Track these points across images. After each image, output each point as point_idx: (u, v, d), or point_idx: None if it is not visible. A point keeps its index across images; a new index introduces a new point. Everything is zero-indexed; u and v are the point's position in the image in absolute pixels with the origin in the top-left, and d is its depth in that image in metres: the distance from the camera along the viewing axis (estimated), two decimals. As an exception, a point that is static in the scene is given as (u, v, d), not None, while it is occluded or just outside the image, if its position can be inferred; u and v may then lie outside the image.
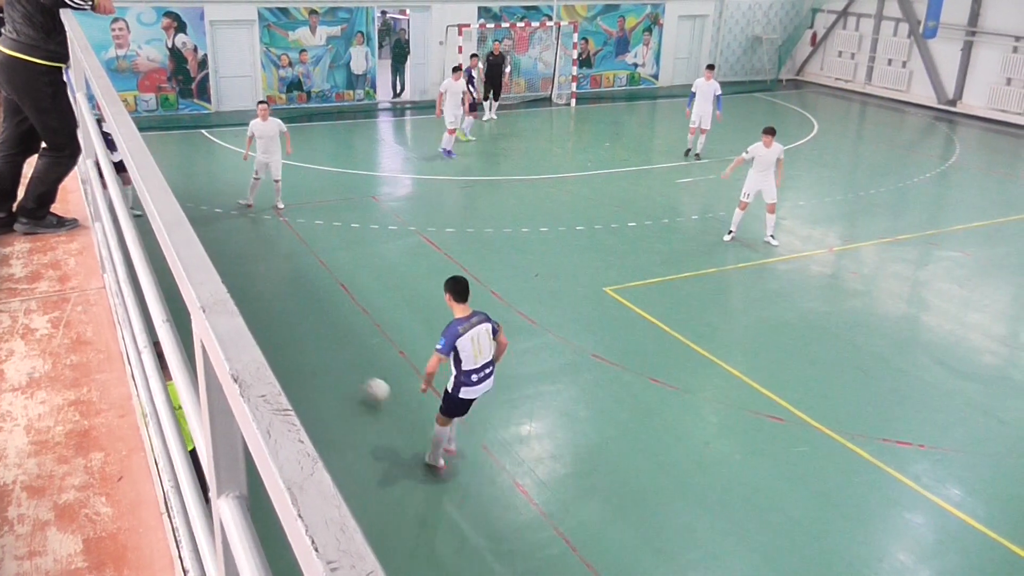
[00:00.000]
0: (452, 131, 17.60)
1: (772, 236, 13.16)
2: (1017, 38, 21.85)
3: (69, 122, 4.86)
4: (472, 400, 7.00)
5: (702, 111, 17.34)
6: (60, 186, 5.14)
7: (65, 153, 4.90)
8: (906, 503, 7.20)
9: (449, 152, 17.78)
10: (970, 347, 10.12)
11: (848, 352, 9.84)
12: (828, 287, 12.01)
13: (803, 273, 12.31)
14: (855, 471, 7.57)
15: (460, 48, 21.83)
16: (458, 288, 6.88)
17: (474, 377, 6.84)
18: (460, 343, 6.71)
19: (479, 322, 6.80)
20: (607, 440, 8.02)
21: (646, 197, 15.58)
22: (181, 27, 20.48)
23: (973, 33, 23.10)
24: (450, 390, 6.93)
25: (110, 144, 4.63)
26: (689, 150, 18.04)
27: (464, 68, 18.83)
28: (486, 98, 21.29)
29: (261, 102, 14.29)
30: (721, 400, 8.75)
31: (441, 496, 7.16)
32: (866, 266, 12.76)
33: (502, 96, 22.76)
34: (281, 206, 14.16)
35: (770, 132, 12.60)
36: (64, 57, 4.78)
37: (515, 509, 7.03)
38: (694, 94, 17.31)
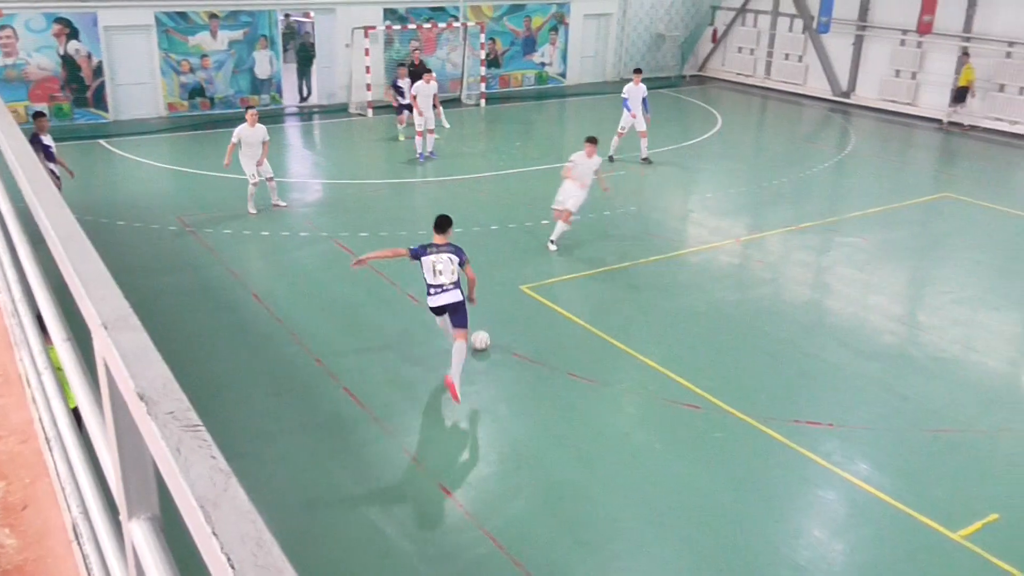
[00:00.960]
0: (423, 133, 17.55)
1: (553, 241, 12.59)
2: (904, 31, 22.88)
3: None
4: (434, 308, 8.57)
5: (639, 115, 17.30)
6: None
7: None
8: (818, 481, 7.46)
9: (423, 156, 17.73)
10: (872, 328, 10.55)
11: (758, 338, 10.14)
12: (737, 276, 12.36)
13: (712, 263, 12.62)
14: (770, 453, 7.81)
15: (367, 51, 21.62)
16: (436, 222, 8.68)
17: (431, 291, 8.47)
18: (424, 260, 8.41)
19: (447, 251, 8.45)
20: (529, 437, 8.07)
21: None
22: (73, 34, 19.71)
23: (863, 28, 24.08)
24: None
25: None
26: (612, 156, 17.72)
27: (392, 78, 19.11)
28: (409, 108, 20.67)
29: (249, 107, 14.58)
30: (639, 391, 8.91)
31: (364, 504, 7.08)
32: (772, 254, 13.17)
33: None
34: (283, 203, 14.58)
35: (592, 141, 12.56)
36: None
37: (440, 511, 7.01)
38: (626, 99, 17.28)
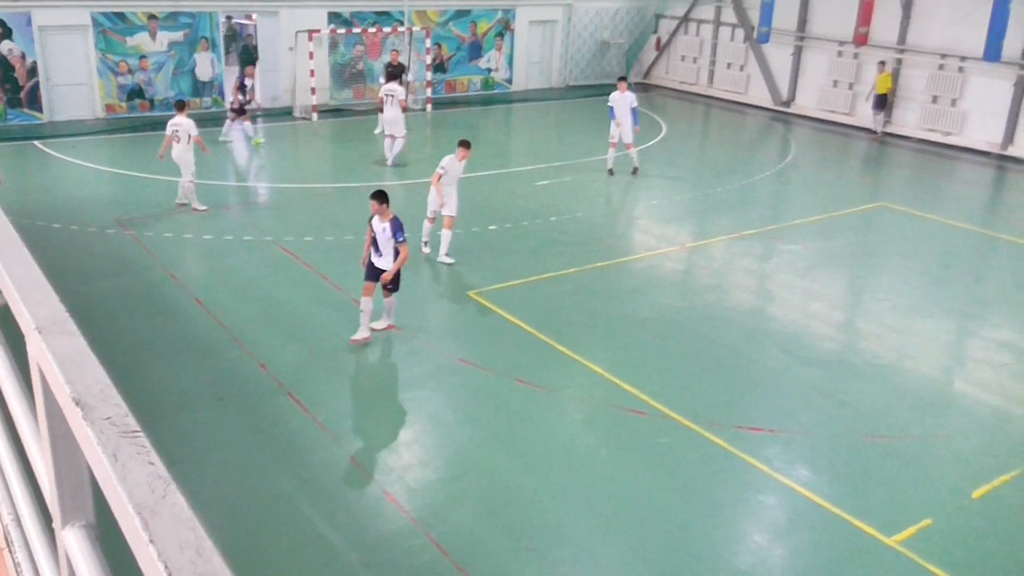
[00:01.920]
0: (403, 137, 17.65)
1: (447, 255, 12.31)
2: (841, 43, 23.47)
3: None
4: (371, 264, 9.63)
5: (625, 125, 16.95)
6: None
7: None
8: (759, 486, 7.59)
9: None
10: (812, 335, 10.78)
11: (703, 344, 10.28)
12: (682, 283, 12.52)
13: (658, 270, 12.77)
14: (713, 458, 7.92)
15: (311, 54, 21.42)
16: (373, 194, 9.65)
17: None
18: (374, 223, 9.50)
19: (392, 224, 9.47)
20: (475, 443, 8.06)
21: (506, 200, 15.77)
22: (7, 33, 19.16)
23: (802, 38, 24.64)
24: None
25: None
26: (611, 170, 17.42)
27: (238, 77, 19.02)
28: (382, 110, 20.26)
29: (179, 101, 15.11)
30: (585, 397, 8.96)
31: (309, 510, 7.00)
32: (716, 261, 13.38)
33: (359, 101, 22.50)
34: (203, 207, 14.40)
35: (465, 145, 12.27)
36: None
37: (385, 518, 6.96)
38: (612, 108, 16.94)
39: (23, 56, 19.46)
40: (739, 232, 14.53)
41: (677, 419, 8.48)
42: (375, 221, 9.58)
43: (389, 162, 17.62)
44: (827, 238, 14.46)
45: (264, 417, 8.28)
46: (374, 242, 9.60)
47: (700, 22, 27.65)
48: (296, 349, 9.65)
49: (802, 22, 24.51)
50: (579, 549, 6.70)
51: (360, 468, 7.57)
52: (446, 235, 12.24)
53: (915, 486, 7.73)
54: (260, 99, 23.05)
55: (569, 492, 7.36)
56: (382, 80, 20.56)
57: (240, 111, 18.70)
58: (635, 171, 17.57)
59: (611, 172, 17.46)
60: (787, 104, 25.23)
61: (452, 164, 12.17)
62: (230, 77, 23.02)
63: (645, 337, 10.42)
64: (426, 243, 12.58)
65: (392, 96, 17.27)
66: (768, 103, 25.65)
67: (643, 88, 28.88)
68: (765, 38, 24.28)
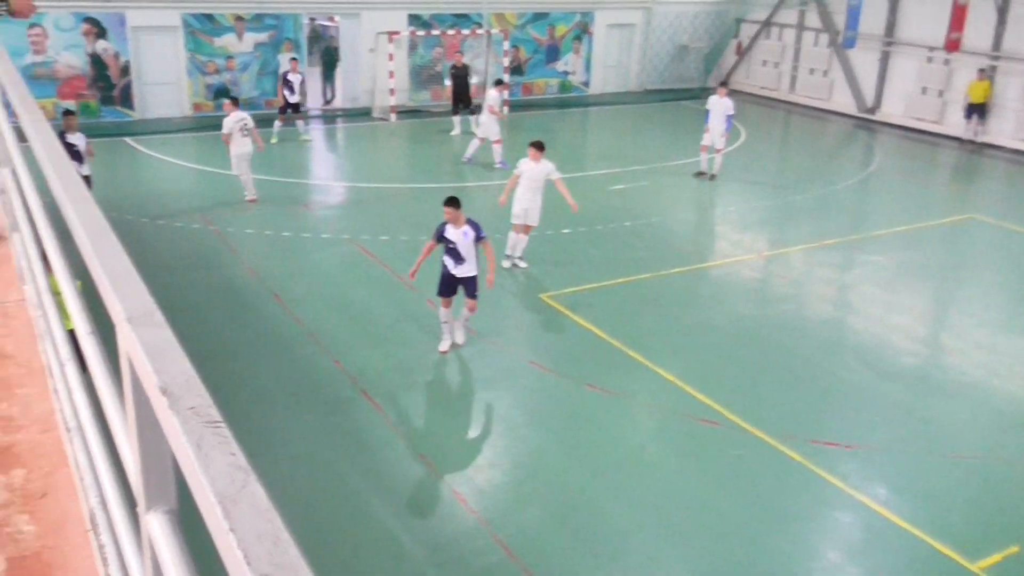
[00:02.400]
0: (498, 141, 17.50)
1: (520, 258, 12.23)
2: (931, 48, 22.71)
3: None
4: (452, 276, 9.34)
5: (715, 130, 16.73)
6: None
7: None
8: (834, 502, 7.39)
9: (502, 163, 17.34)
10: (893, 349, 10.45)
11: (778, 355, 10.06)
12: (758, 291, 12.29)
13: (734, 277, 12.56)
14: (786, 472, 7.74)
15: (391, 56, 21.73)
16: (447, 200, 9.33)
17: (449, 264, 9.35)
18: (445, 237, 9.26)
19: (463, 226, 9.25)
20: (544, 446, 8.05)
21: (580, 204, 15.68)
22: (101, 33, 19.95)
23: (890, 43, 23.94)
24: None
25: None
26: (703, 172, 17.29)
27: (282, 72, 18.84)
28: (455, 112, 20.29)
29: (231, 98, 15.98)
30: (656, 404, 8.86)
31: (378, 506, 7.09)
32: (794, 270, 13.09)
33: (436, 103, 22.74)
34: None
35: (538, 146, 11.81)
36: None
37: (453, 517, 7.00)
38: (708, 112, 16.74)
39: (117, 55, 20.22)
40: (819, 241, 14.19)
41: (750, 430, 8.31)
42: (450, 230, 9.21)
43: (466, 157, 17.93)
44: (912, 249, 14.01)
45: (337, 413, 8.42)
46: (452, 252, 9.24)
47: (783, 26, 27.10)
48: (370, 347, 9.79)
49: (890, 26, 23.81)
50: (646, 558, 6.62)
51: (430, 467, 7.63)
52: (522, 240, 12.18)
53: (1001, 510, 7.41)
54: (340, 99, 23.52)
55: (637, 500, 7.29)
56: (447, 83, 20.82)
57: (291, 108, 18.62)
58: (713, 177, 17.28)
59: (702, 175, 17.33)
60: (872, 111, 24.54)
61: (528, 167, 12.02)
62: (312, 78, 23.54)
63: (719, 345, 10.26)
64: (508, 256, 12.19)
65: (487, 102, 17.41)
66: (852, 110, 25.00)
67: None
68: (851, 43, 23.64)
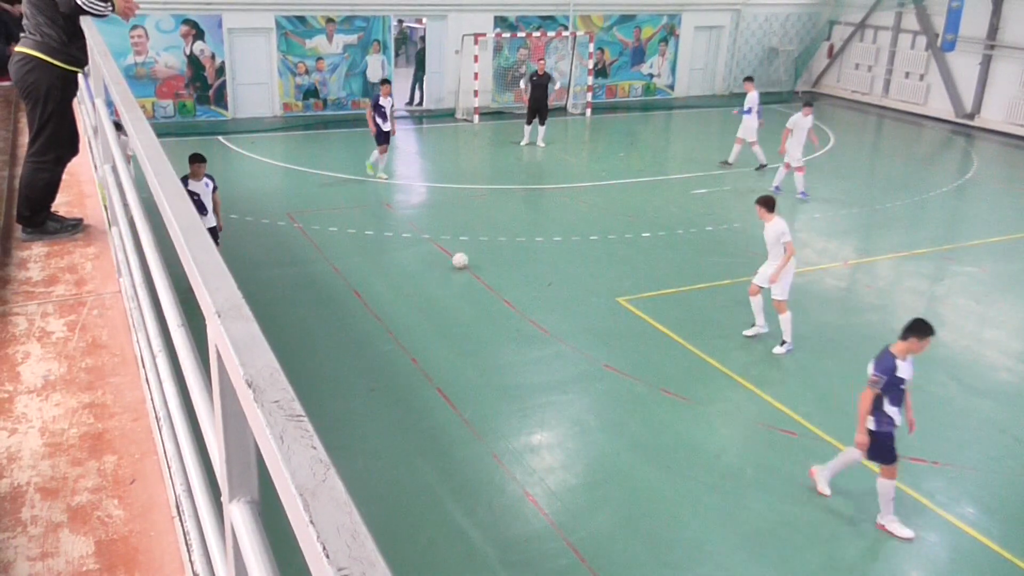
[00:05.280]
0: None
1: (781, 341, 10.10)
2: (1036, 53, 21.75)
3: (65, 128, 4.86)
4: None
5: (793, 150, 15.90)
6: (58, 190, 5.07)
7: (48, 158, 4.84)
8: (919, 520, 7.13)
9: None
10: (986, 364, 10.03)
11: (861, 367, 9.70)
12: (843, 300, 11.95)
13: (818, 286, 12.25)
14: (868, 487, 7.50)
15: (476, 57, 21.89)
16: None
17: None
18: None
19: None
20: (617, 451, 7.99)
21: (661, 208, 15.56)
22: (199, 35, 20.65)
23: (992, 47, 22.99)
24: None
25: None
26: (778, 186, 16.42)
27: (373, 96, 16.36)
28: (529, 122, 19.74)
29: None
30: (733, 413, 8.70)
31: (451, 504, 7.15)
32: (881, 280, 12.69)
33: (520, 105, 22.78)
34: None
35: (768, 205, 10.10)
36: (82, 62, 4.82)
37: (525, 519, 7.01)
38: (791, 131, 15.79)
39: (213, 56, 20.91)
40: (908, 251, 13.73)
41: (830, 441, 8.09)
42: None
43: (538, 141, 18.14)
44: (1010, 261, 13.42)
45: (413, 410, 8.53)
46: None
47: (878, 28, 26.31)
48: (447, 346, 9.88)
49: (993, 29, 22.87)
50: (719, 568, 6.51)
51: (502, 467, 7.66)
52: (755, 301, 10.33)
53: (1099, 537, 7.04)
54: (426, 100, 23.79)
55: (712, 509, 7.17)
56: (522, 84, 20.62)
57: (385, 138, 16.17)
58: (762, 167, 17.49)
59: (777, 189, 16.42)
60: (971, 116, 23.62)
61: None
62: (399, 79, 23.90)
63: (799, 355, 10.01)
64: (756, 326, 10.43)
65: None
66: (949, 115, 24.11)
67: (811, 97, 27.80)
68: (950, 46, 22.79)
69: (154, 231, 2.68)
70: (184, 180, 10.13)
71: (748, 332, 10.35)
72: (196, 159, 10.43)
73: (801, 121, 15.80)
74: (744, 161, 18.36)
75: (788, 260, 9.66)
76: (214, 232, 10.44)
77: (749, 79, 18.31)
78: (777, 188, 16.28)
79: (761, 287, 10.03)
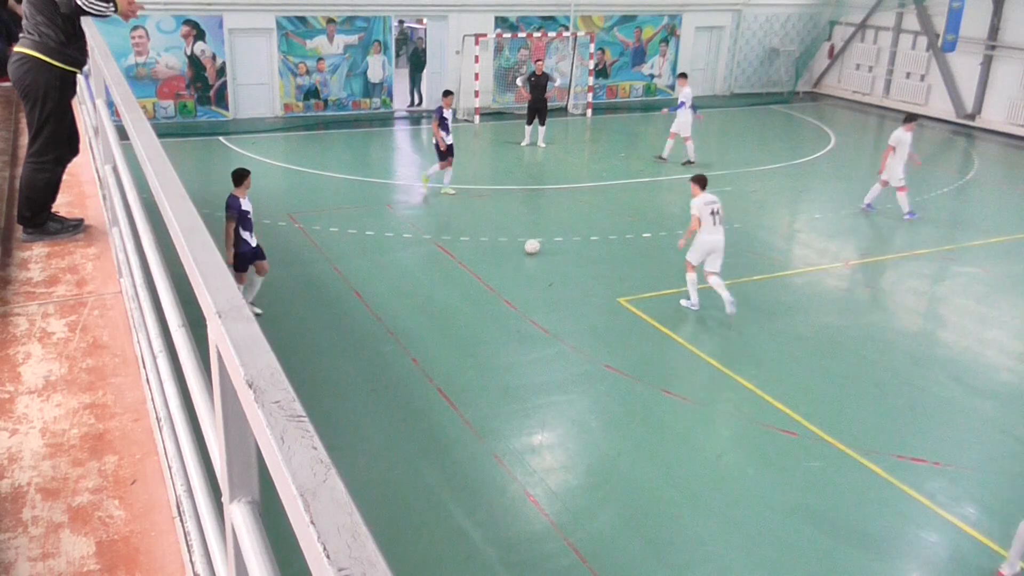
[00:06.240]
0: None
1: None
2: (1037, 53, 21.75)
3: (64, 128, 4.86)
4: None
5: (894, 169, 15.00)
6: (58, 190, 5.07)
7: (48, 158, 4.83)
8: (920, 521, 7.13)
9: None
10: (987, 364, 10.03)
11: (863, 367, 9.77)
12: (843, 301, 11.95)
13: (818, 286, 12.25)
14: (869, 487, 7.51)
15: (476, 58, 21.90)
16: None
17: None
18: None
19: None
20: (619, 451, 7.99)
21: (661, 208, 15.56)
22: (200, 35, 20.66)
23: (993, 47, 22.99)
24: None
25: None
26: (908, 213, 15.25)
27: (437, 109, 15.33)
28: (530, 122, 19.71)
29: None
30: (734, 413, 8.71)
31: (452, 504, 7.15)
32: (882, 280, 12.69)
33: (520, 105, 22.79)
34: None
35: (700, 183, 10.71)
36: (80, 63, 4.82)
37: (525, 519, 7.01)
38: (894, 148, 14.93)
39: (214, 57, 20.92)
40: (909, 251, 13.73)
41: (831, 442, 8.09)
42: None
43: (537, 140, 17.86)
44: (1011, 262, 13.42)
45: (414, 411, 8.53)
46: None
47: (879, 29, 26.31)
48: (448, 346, 9.88)
49: (994, 30, 22.87)
50: (720, 568, 6.51)
51: (503, 467, 7.66)
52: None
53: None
54: (427, 101, 23.80)
55: (713, 509, 7.17)
56: (519, 83, 20.70)
57: (449, 152, 15.39)
58: (911, 212, 15.46)
59: (868, 207, 15.55)
60: (971, 117, 23.62)
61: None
62: (399, 79, 23.91)
63: (801, 355, 10.02)
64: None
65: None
66: (950, 115, 24.11)
67: (812, 97, 27.82)
68: (951, 46, 22.78)
69: (155, 231, 2.69)
70: (235, 199, 9.77)
71: (683, 302, 11.13)
72: (246, 173, 9.82)
73: (904, 137, 14.90)
74: (751, 161, 18.37)
75: (692, 231, 10.63)
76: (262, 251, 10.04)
77: (683, 75, 18.72)
78: (869, 206, 15.48)
79: (694, 264, 10.78)
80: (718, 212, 10.54)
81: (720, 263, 10.60)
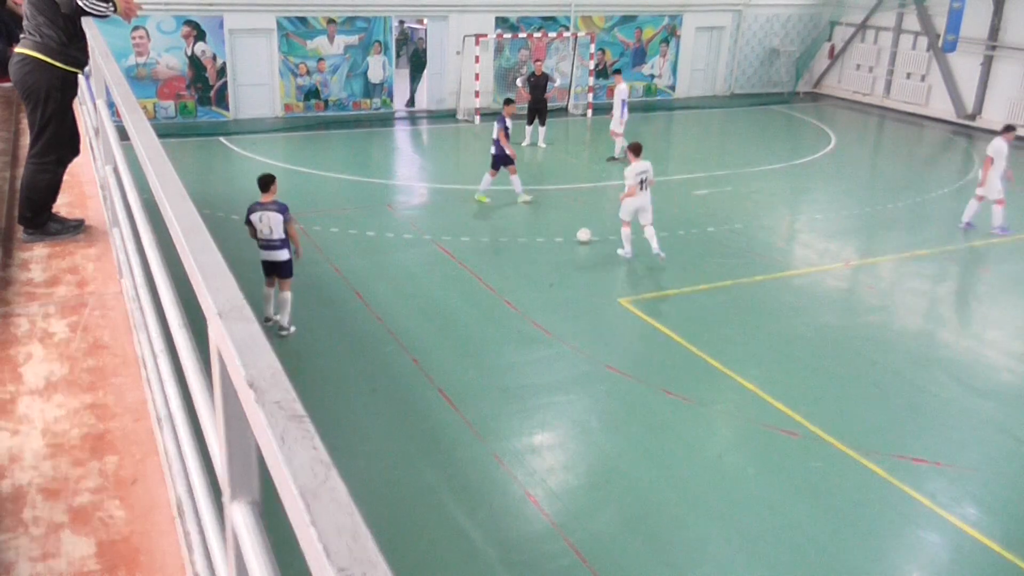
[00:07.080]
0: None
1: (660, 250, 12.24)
2: (1037, 53, 21.74)
3: (66, 129, 4.86)
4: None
5: (992, 181, 14.28)
6: (59, 191, 5.06)
7: (49, 159, 4.83)
8: (921, 521, 7.13)
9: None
10: (988, 364, 10.02)
11: (864, 367, 9.77)
12: (844, 301, 11.95)
13: (819, 287, 12.25)
14: (869, 487, 7.51)
15: (477, 58, 21.90)
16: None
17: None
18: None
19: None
20: (620, 452, 7.99)
21: (662, 208, 15.51)
22: (200, 35, 20.66)
23: (993, 48, 22.99)
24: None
25: None
26: (969, 223, 14.79)
27: (499, 118, 15.08)
28: (530, 122, 19.65)
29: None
30: (735, 413, 8.71)
31: (453, 505, 7.15)
32: (883, 281, 12.69)
33: (521, 105, 22.78)
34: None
35: (635, 151, 12.40)
36: (82, 63, 4.83)
37: (526, 519, 7.01)
38: (992, 159, 14.17)
39: (214, 57, 20.92)
40: (910, 251, 13.72)
41: (832, 443, 8.09)
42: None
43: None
44: (1014, 262, 13.42)
45: (414, 411, 8.53)
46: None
47: (879, 29, 26.31)
48: (448, 347, 9.88)
49: (994, 30, 22.87)
50: (720, 568, 6.51)
51: (503, 467, 7.66)
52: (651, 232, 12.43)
53: (1101, 538, 7.04)
54: (426, 101, 23.82)
55: (713, 510, 7.17)
56: (519, 83, 20.76)
57: (504, 161, 15.01)
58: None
59: (968, 225, 14.77)
60: (972, 117, 23.61)
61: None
62: (400, 80, 23.91)
63: (801, 356, 10.01)
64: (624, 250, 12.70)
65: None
66: (950, 116, 24.11)
67: (812, 98, 27.82)
68: (951, 47, 22.78)
69: (155, 232, 2.69)
70: (257, 207, 9.40)
71: (619, 251, 12.67)
72: (272, 179, 9.46)
73: (1001, 147, 14.12)
74: (751, 161, 18.37)
75: (628, 194, 12.27)
76: (289, 267, 9.63)
77: (617, 71, 19.20)
78: (969, 224, 14.66)
79: (628, 221, 12.47)
80: (647, 180, 12.26)
81: (650, 217, 12.36)
